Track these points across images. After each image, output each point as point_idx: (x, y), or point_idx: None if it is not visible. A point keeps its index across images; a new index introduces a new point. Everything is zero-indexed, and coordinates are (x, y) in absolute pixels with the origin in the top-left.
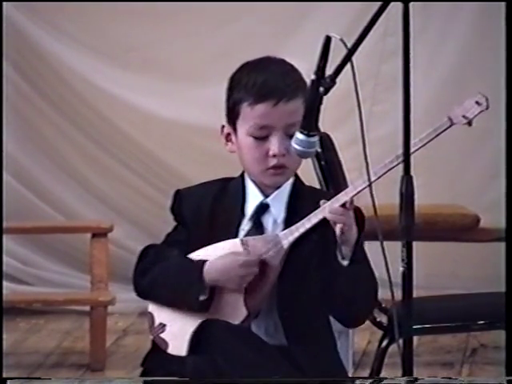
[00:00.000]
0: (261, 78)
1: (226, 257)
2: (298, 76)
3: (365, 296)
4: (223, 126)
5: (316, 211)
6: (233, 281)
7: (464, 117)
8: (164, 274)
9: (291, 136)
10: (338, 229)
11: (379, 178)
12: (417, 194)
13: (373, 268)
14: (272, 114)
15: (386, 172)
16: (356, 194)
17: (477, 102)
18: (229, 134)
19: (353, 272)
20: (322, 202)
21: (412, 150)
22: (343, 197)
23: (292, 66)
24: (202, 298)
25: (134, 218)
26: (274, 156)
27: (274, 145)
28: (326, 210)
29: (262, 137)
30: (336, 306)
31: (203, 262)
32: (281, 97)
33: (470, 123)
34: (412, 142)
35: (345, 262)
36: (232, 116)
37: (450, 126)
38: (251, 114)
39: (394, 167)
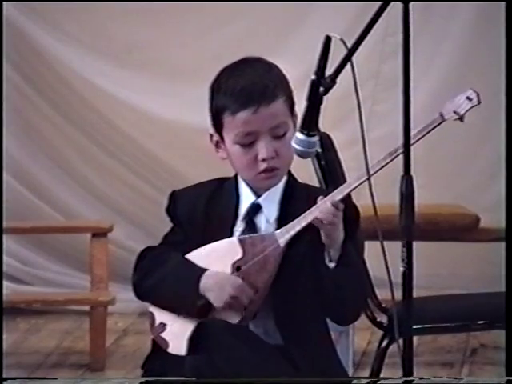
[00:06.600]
0: (238, 85)
1: (221, 274)
2: (277, 75)
3: (352, 299)
4: (211, 135)
5: (311, 209)
6: (223, 298)
7: (455, 112)
8: (163, 280)
9: (277, 137)
10: (324, 230)
11: (373, 174)
12: (417, 194)
13: (363, 270)
14: (255, 120)
15: (379, 169)
16: (350, 191)
17: (468, 98)
18: (218, 142)
19: (339, 275)
20: (319, 198)
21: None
22: (338, 194)
23: (270, 65)
24: (199, 303)
25: (134, 218)
26: (264, 160)
27: (261, 149)
28: (320, 208)
29: (248, 143)
30: (324, 306)
31: (202, 270)
32: (260, 102)
33: (461, 119)
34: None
35: (331, 265)
36: (217, 125)
37: (442, 122)
38: (234, 123)
39: (387, 164)
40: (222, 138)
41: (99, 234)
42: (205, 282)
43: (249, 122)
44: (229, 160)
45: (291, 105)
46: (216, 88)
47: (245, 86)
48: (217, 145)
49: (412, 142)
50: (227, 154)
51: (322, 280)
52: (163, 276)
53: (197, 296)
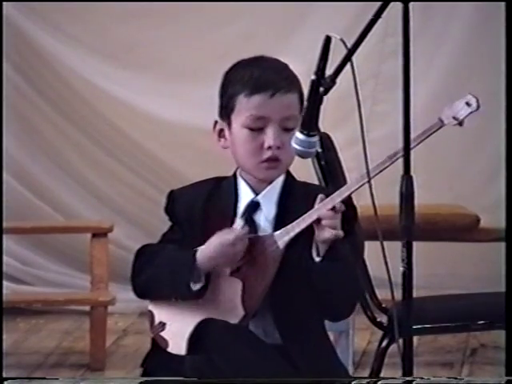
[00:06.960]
0: (257, 71)
1: (215, 239)
2: (292, 73)
3: (340, 293)
4: (216, 122)
5: (311, 211)
6: (227, 259)
7: (454, 118)
8: (158, 267)
9: (286, 130)
10: (322, 232)
11: (372, 178)
12: (417, 194)
13: (353, 264)
14: (269, 105)
15: (379, 173)
16: (350, 194)
17: (467, 103)
18: (221, 130)
19: (325, 269)
20: (318, 200)
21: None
22: (337, 197)
23: (285, 64)
24: (197, 286)
25: (134, 218)
26: (269, 148)
27: (269, 137)
28: (320, 210)
29: (257, 128)
30: (314, 301)
31: (195, 250)
32: (278, 88)
33: (460, 124)
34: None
35: (317, 259)
36: (227, 110)
37: (441, 127)
38: (248, 105)
39: (386, 167)
40: (229, 123)
41: (99, 234)
42: (201, 254)
43: (263, 105)
44: (231, 149)
45: (301, 104)
46: (232, 75)
47: (263, 73)
48: (220, 133)
49: (411, 146)
50: (230, 143)
51: (311, 275)
52: (157, 265)
53: (194, 273)
